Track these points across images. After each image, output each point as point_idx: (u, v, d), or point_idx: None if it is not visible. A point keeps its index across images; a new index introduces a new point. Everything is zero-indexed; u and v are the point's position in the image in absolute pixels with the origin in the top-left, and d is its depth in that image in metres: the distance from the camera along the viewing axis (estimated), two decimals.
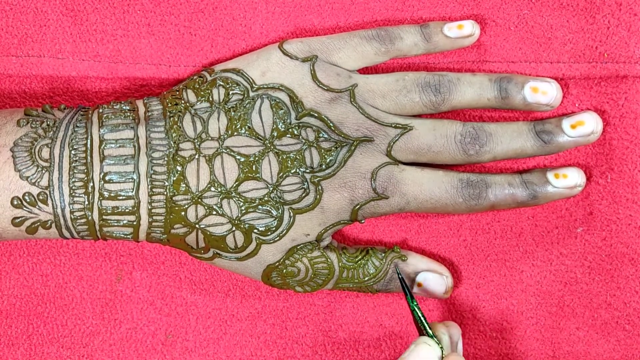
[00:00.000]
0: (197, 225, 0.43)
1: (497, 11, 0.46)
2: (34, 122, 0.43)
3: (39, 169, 0.42)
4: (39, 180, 0.42)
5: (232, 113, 0.44)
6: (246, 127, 0.43)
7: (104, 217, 0.42)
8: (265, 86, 0.44)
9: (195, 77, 0.45)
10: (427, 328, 0.42)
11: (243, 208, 0.43)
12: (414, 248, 0.48)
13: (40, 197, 0.42)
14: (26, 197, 0.42)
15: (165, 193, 0.43)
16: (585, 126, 0.45)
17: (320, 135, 0.44)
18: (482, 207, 0.45)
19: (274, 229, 0.44)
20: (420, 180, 0.44)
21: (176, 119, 0.43)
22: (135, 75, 0.47)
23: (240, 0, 0.47)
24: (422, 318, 0.43)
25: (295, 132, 0.44)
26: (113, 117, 0.44)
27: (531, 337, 0.48)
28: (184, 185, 0.43)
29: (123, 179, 0.42)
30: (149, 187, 0.42)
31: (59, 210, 0.42)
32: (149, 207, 0.43)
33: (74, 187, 0.42)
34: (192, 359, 0.49)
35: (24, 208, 0.42)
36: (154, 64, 0.47)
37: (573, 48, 0.46)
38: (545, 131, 0.45)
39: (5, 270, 0.49)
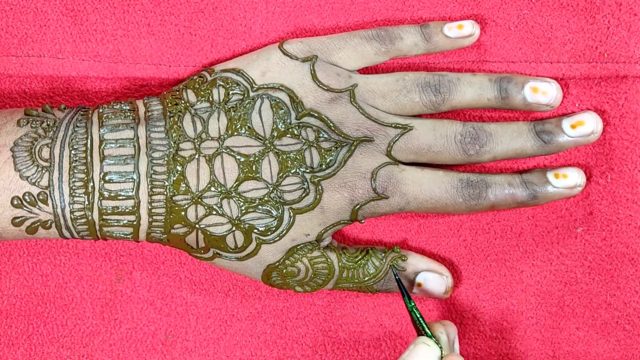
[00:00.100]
0: (197, 225, 0.43)
1: (497, 11, 0.46)
2: (34, 122, 0.43)
3: (39, 168, 0.42)
4: (39, 180, 0.42)
5: (232, 113, 0.44)
6: (246, 127, 0.43)
7: (104, 217, 0.42)
8: (265, 86, 0.44)
9: (195, 77, 0.45)
10: (426, 328, 0.42)
11: (243, 208, 0.43)
12: (414, 248, 0.48)
13: (40, 197, 0.42)
14: (26, 197, 0.42)
15: (165, 193, 0.43)
16: (585, 126, 0.45)
17: (320, 135, 0.44)
18: (482, 207, 0.45)
19: (274, 229, 0.44)
20: (420, 180, 0.44)
21: (176, 119, 0.43)
22: (135, 75, 0.47)
23: (240, 0, 0.47)
24: (420, 319, 0.43)
25: (295, 132, 0.44)
26: (113, 117, 0.44)
27: (531, 337, 0.48)
28: (184, 185, 0.43)
29: (123, 179, 0.42)
30: (149, 187, 0.42)
31: (59, 210, 0.42)
32: (149, 207, 0.43)
33: (74, 187, 0.42)
34: (192, 359, 0.49)
35: (24, 208, 0.42)
36: (154, 64, 0.47)
37: (573, 48, 0.46)
38: (545, 131, 0.45)
39: (5, 270, 0.49)
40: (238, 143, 0.43)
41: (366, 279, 0.46)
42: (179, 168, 0.43)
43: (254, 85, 0.44)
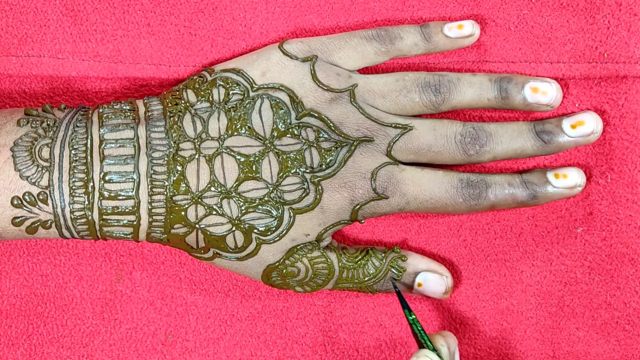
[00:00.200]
0: (197, 225, 0.43)
1: (497, 11, 0.46)
2: (34, 122, 0.43)
3: (39, 168, 0.42)
4: (39, 180, 0.42)
5: (232, 113, 0.44)
6: (246, 127, 0.43)
7: (104, 216, 0.42)
8: (265, 86, 0.44)
9: (195, 77, 0.45)
10: (427, 341, 0.42)
11: (243, 208, 0.43)
12: (414, 248, 0.48)
13: (40, 197, 0.42)
14: (26, 197, 0.42)
15: (165, 193, 0.43)
16: (585, 126, 0.45)
17: (321, 135, 0.44)
18: (482, 207, 0.45)
19: (274, 229, 0.44)
20: (420, 180, 0.44)
21: (176, 119, 0.43)
22: (135, 75, 0.47)
23: (240, 0, 0.47)
24: (421, 331, 0.43)
25: (296, 132, 0.44)
26: (113, 117, 0.44)
27: (531, 337, 0.48)
28: (184, 185, 0.43)
29: (123, 179, 0.42)
30: (149, 187, 0.42)
31: (59, 210, 0.42)
32: (149, 207, 0.43)
33: (74, 187, 0.42)
34: (192, 359, 0.49)
35: (24, 208, 0.42)
36: (154, 64, 0.47)
37: (573, 48, 0.46)
38: (545, 131, 0.45)
39: (5, 270, 0.49)
40: (238, 143, 0.43)
41: (366, 279, 0.46)
42: (179, 168, 0.43)
43: (254, 85, 0.44)
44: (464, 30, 0.45)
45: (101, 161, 0.42)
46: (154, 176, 0.43)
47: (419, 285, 0.46)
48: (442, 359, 0.42)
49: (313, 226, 0.44)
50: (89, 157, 0.42)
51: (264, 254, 0.44)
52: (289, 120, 0.44)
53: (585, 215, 0.47)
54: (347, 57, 0.45)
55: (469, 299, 0.48)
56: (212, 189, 0.43)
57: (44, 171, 0.42)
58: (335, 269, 0.45)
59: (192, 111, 0.44)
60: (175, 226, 0.43)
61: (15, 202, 0.42)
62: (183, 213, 0.43)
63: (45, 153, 0.42)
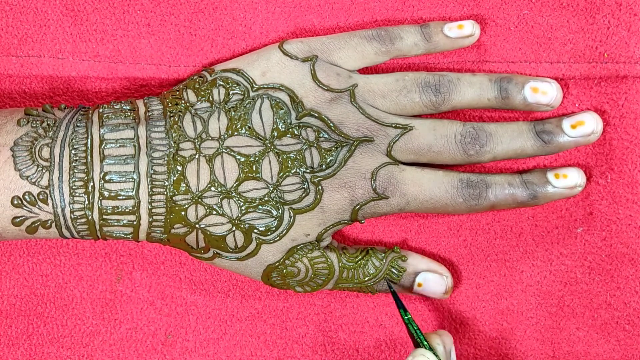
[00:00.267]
0: (197, 225, 0.43)
1: (497, 11, 0.46)
2: (34, 122, 0.43)
3: (39, 168, 0.42)
4: (39, 179, 0.42)
5: (233, 113, 0.44)
6: (246, 127, 0.43)
7: (104, 216, 0.42)
8: (265, 86, 0.44)
9: (195, 77, 0.45)
10: (424, 340, 0.43)
11: (243, 208, 0.43)
12: (414, 248, 0.48)
13: (41, 197, 0.42)
14: (26, 197, 0.42)
15: (165, 193, 0.43)
16: (585, 126, 0.45)
17: (321, 135, 0.44)
18: (482, 207, 0.45)
19: (274, 229, 0.44)
20: (420, 180, 0.44)
21: (176, 119, 0.43)
22: (135, 75, 0.47)
23: (240, 0, 0.47)
24: (417, 331, 0.43)
25: (296, 132, 0.44)
26: (113, 116, 0.44)
27: (531, 337, 0.48)
28: (184, 185, 0.43)
29: (123, 179, 0.42)
30: (149, 186, 0.42)
31: (59, 210, 0.42)
32: (149, 207, 0.43)
33: (74, 187, 0.42)
34: (192, 359, 0.49)
35: (24, 207, 0.42)
36: (154, 64, 0.47)
37: (573, 48, 0.46)
38: (545, 131, 0.45)
39: (5, 270, 0.49)
40: (238, 143, 0.43)
41: (366, 279, 0.46)
42: (179, 168, 0.43)
43: (254, 85, 0.44)
44: (464, 30, 0.45)
45: (101, 161, 0.42)
46: (154, 176, 0.43)
47: (419, 285, 0.46)
48: (439, 357, 0.42)
49: (313, 226, 0.44)
50: (89, 157, 0.42)
51: (264, 254, 0.44)
52: (289, 120, 0.44)
53: (585, 215, 0.47)
54: (347, 57, 0.45)
55: (469, 299, 0.48)
56: (212, 188, 0.43)
57: (44, 171, 0.42)
58: (335, 269, 0.45)
59: (192, 111, 0.44)
60: (176, 226, 0.43)
61: (16, 202, 0.42)
62: (183, 213, 0.43)
63: (46, 153, 0.42)
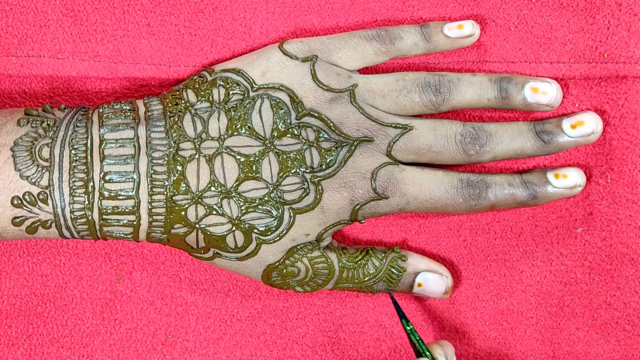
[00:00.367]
0: (197, 225, 0.43)
1: (497, 11, 0.46)
2: (34, 122, 0.43)
3: (39, 168, 0.42)
4: (39, 179, 0.42)
5: (232, 113, 0.44)
6: (246, 127, 0.43)
7: (104, 216, 0.42)
8: (265, 86, 0.44)
9: (195, 77, 0.45)
10: (426, 351, 0.43)
11: (243, 208, 0.43)
12: (414, 248, 0.48)
13: (41, 197, 0.42)
14: (26, 197, 0.42)
15: (165, 193, 0.43)
16: (585, 126, 0.45)
17: (321, 135, 0.44)
18: (482, 207, 0.45)
19: (274, 228, 0.44)
20: (420, 180, 0.44)
21: (176, 119, 0.43)
22: (135, 75, 0.47)
23: (240, 0, 0.47)
24: (419, 341, 0.43)
25: (296, 132, 0.44)
26: (113, 116, 0.44)
27: (531, 337, 0.48)
28: (184, 185, 0.43)
29: (123, 179, 0.42)
30: (149, 186, 0.42)
31: (59, 210, 0.42)
32: (149, 207, 0.43)
33: (74, 187, 0.42)
34: (192, 359, 0.49)
35: (24, 207, 0.42)
36: (154, 64, 0.47)
37: (573, 48, 0.46)
38: (545, 131, 0.45)
39: (5, 270, 0.49)
40: (238, 143, 0.43)
41: (366, 279, 0.46)
42: (179, 168, 0.43)
43: (254, 85, 0.44)
44: (464, 30, 0.45)
45: (101, 161, 0.42)
46: (154, 176, 0.43)
47: (419, 285, 0.46)
48: None
49: (313, 226, 0.44)
50: (89, 157, 0.42)
51: (264, 254, 0.44)
52: (289, 120, 0.44)
53: (585, 215, 0.47)
54: (347, 57, 0.45)
55: (469, 299, 0.48)
56: (212, 188, 0.43)
57: (44, 171, 0.42)
58: (335, 269, 0.45)
59: (192, 111, 0.44)
60: (175, 226, 0.43)
61: (16, 202, 0.42)
62: (183, 213, 0.43)
63: (46, 153, 0.42)
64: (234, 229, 0.43)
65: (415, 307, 0.49)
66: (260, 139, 0.43)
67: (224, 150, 0.43)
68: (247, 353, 0.49)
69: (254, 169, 0.43)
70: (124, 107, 0.44)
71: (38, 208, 0.42)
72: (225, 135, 0.43)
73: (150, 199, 0.42)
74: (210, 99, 0.44)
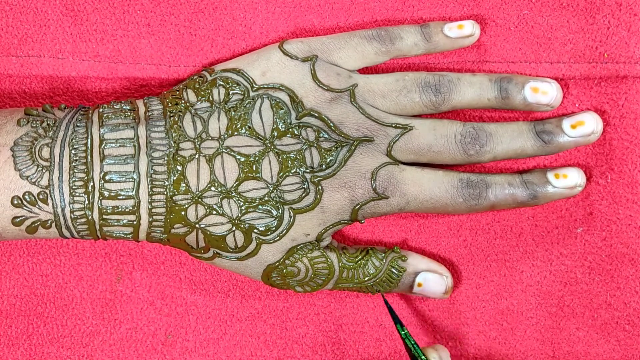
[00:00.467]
0: (197, 225, 0.43)
1: (497, 11, 0.46)
2: (34, 122, 0.43)
3: (39, 168, 0.42)
4: (39, 179, 0.42)
5: (233, 113, 0.44)
6: (246, 127, 0.43)
7: (104, 216, 0.42)
8: (265, 86, 0.44)
9: (195, 77, 0.45)
10: (421, 355, 0.43)
11: (243, 208, 0.43)
12: (414, 248, 0.48)
13: (41, 197, 0.42)
14: (26, 197, 0.42)
15: (165, 193, 0.43)
16: (585, 126, 0.45)
17: (321, 135, 0.44)
18: (482, 207, 0.45)
19: (274, 228, 0.44)
20: (420, 180, 0.44)
21: (176, 119, 0.43)
22: (135, 75, 0.47)
23: (240, 0, 0.47)
24: (414, 345, 0.43)
25: (296, 132, 0.44)
26: (113, 116, 0.44)
27: (531, 337, 0.48)
28: (184, 184, 0.43)
29: (123, 179, 0.42)
30: (149, 186, 0.42)
31: (59, 210, 0.42)
32: (149, 207, 0.43)
33: (74, 187, 0.42)
34: (192, 359, 0.49)
35: (24, 207, 0.42)
36: (154, 64, 0.47)
37: (573, 48, 0.46)
38: (545, 131, 0.45)
39: (5, 270, 0.49)
40: (238, 143, 0.43)
41: (366, 279, 0.46)
42: (179, 168, 0.43)
43: (254, 85, 0.44)
44: (464, 30, 0.45)
45: (101, 161, 0.42)
46: (154, 176, 0.43)
47: (419, 285, 0.46)
48: None
49: (313, 226, 0.44)
50: (89, 157, 0.42)
51: (264, 254, 0.44)
52: (289, 120, 0.44)
53: (585, 215, 0.47)
54: (347, 57, 0.45)
55: (469, 299, 0.48)
56: (212, 188, 0.43)
57: (44, 171, 0.42)
58: (335, 269, 0.45)
59: (192, 111, 0.44)
60: (176, 226, 0.43)
61: (15, 202, 0.42)
62: (183, 213, 0.43)
63: (46, 153, 0.42)
64: (234, 228, 0.43)
65: (415, 307, 0.49)
66: (260, 139, 0.43)
67: (224, 150, 0.43)
68: (247, 353, 0.49)
69: (254, 168, 0.43)
70: (124, 107, 0.44)
71: (38, 208, 0.42)
72: (226, 135, 0.43)
73: (150, 199, 0.42)
74: (211, 98, 0.44)
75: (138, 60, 0.47)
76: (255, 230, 0.43)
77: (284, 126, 0.44)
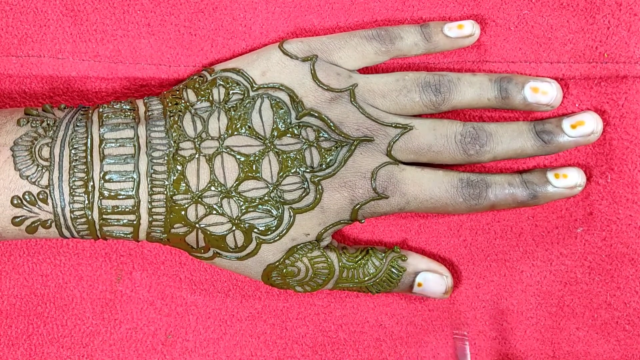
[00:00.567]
0: (197, 225, 0.43)
1: (497, 11, 0.46)
2: (34, 122, 0.43)
3: (39, 168, 0.42)
4: (39, 179, 0.42)
5: (233, 113, 0.44)
6: (246, 126, 0.43)
7: (104, 216, 0.42)
8: (265, 86, 0.44)
9: (195, 77, 0.45)
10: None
11: (243, 207, 0.43)
12: (414, 248, 0.48)
13: (40, 197, 0.42)
14: (26, 196, 0.42)
15: (165, 192, 0.43)
16: (585, 126, 0.45)
17: (321, 134, 0.44)
18: (482, 207, 0.45)
19: (274, 228, 0.44)
20: (420, 180, 0.44)
21: (176, 119, 0.43)
22: (135, 75, 0.47)
23: (240, 0, 0.47)
24: None
25: (296, 131, 0.44)
26: (113, 116, 0.44)
27: (531, 337, 0.48)
28: (184, 184, 0.43)
29: (123, 178, 0.42)
30: (149, 186, 0.42)
31: (59, 210, 0.42)
32: (149, 207, 0.43)
33: (74, 187, 0.42)
34: (192, 359, 0.49)
35: (24, 207, 0.42)
36: (154, 64, 0.47)
37: (573, 48, 0.46)
38: (545, 131, 0.45)
39: (5, 270, 0.49)
40: (238, 143, 0.43)
41: (366, 279, 0.46)
42: (179, 167, 0.43)
43: (254, 85, 0.44)
44: (464, 30, 0.45)
45: (101, 160, 0.42)
46: (154, 175, 0.43)
47: (419, 285, 0.46)
48: None
49: (313, 226, 0.44)
50: (89, 157, 0.42)
51: (264, 254, 0.44)
52: (289, 120, 0.44)
53: (585, 215, 0.47)
54: (347, 56, 0.45)
55: (469, 299, 0.48)
56: (212, 188, 0.43)
57: (44, 170, 0.42)
58: (335, 269, 0.45)
59: (192, 111, 0.44)
60: (175, 226, 0.43)
61: (15, 202, 0.42)
62: (183, 212, 0.43)
63: (45, 152, 0.42)
64: (234, 228, 0.43)
65: (415, 307, 0.49)
66: (260, 139, 0.43)
67: (224, 149, 0.43)
68: (247, 353, 0.49)
69: (254, 168, 0.43)
70: (124, 107, 0.44)
71: (38, 208, 0.42)
72: (225, 135, 0.43)
73: (150, 199, 0.42)
74: (210, 98, 0.44)
75: (138, 60, 0.47)
76: (255, 230, 0.43)
77: (284, 126, 0.44)
